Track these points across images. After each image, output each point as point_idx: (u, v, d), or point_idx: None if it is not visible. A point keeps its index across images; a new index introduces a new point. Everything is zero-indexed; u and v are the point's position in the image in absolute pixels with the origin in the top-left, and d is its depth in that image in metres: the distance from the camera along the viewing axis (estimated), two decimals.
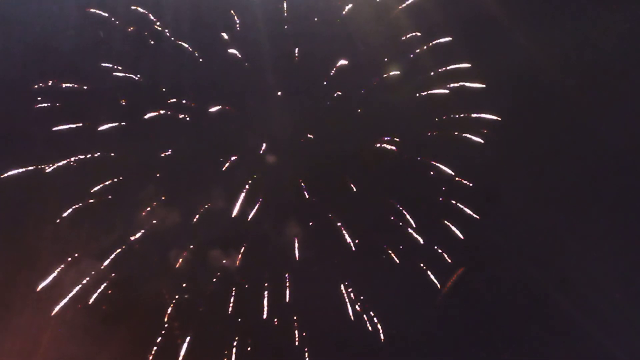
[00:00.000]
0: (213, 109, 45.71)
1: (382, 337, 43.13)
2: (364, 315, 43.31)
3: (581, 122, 44.41)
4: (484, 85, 44.54)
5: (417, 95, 45.60)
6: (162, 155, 44.55)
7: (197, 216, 44.02)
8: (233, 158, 45.39)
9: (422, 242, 43.65)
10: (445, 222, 43.96)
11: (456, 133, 44.88)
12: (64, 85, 42.79)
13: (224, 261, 43.94)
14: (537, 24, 45.75)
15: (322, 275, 44.30)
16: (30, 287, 40.39)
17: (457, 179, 44.50)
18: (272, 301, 43.49)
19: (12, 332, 39.64)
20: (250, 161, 45.94)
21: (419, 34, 45.52)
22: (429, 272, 43.35)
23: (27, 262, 41.35)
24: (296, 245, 44.50)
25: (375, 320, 43.32)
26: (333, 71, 45.95)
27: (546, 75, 44.88)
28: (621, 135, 43.60)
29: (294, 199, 46.05)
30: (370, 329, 43.33)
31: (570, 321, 42.51)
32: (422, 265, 43.42)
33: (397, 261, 44.18)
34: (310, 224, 45.36)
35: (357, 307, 43.55)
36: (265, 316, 43.11)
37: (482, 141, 44.39)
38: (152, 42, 44.65)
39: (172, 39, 45.54)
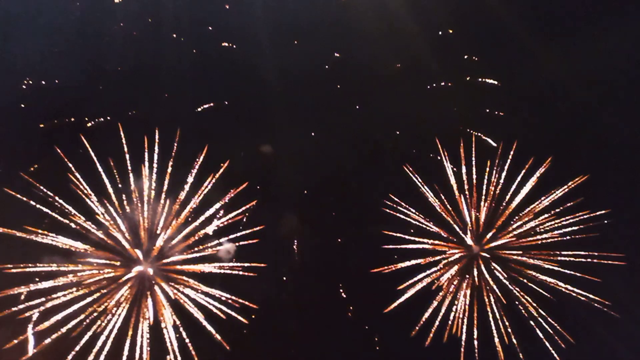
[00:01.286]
0: (210, 105, 45.43)
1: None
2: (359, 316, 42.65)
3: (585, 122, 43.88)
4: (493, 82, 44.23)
5: (420, 91, 45.11)
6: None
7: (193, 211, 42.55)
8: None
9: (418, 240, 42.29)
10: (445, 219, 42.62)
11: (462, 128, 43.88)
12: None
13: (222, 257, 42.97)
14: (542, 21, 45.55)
15: (321, 274, 43.90)
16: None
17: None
18: (269, 298, 42.77)
19: None
20: (249, 157, 45.42)
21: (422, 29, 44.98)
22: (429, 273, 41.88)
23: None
24: (295, 242, 44.06)
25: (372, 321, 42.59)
26: (332, 68, 45.92)
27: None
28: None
29: (293, 196, 45.66)
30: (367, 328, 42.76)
31: None
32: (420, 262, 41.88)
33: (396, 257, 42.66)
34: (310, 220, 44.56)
35: (351, 308, 43.03)
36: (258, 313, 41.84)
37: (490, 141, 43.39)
38: (136, 34, 44.20)
39: (170, 34, 45.27)
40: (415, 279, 40.61)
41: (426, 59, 45.52)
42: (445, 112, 44.95)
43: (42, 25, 43.73)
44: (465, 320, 40.30)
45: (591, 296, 39.43)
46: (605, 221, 39.73)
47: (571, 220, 40.36)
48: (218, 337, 39.96)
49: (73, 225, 39.85)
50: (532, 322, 39.95)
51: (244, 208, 41.78)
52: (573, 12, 45.41)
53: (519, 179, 41.16)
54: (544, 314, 39.71)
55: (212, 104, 45.86)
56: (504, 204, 41.41)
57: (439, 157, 42.48)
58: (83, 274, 39.68)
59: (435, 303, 40.51)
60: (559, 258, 39.95)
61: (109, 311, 39.50)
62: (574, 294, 39.53)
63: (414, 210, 41.58)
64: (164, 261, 41.01)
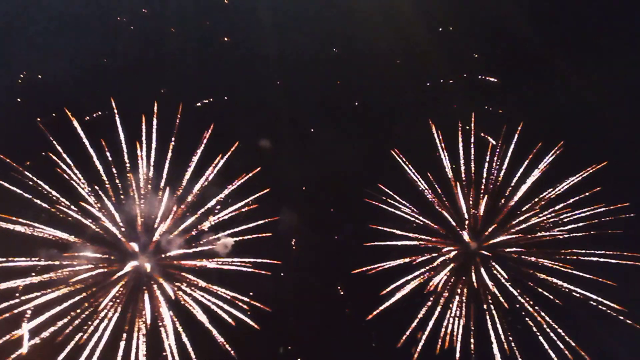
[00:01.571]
0: (209, 101, 44.89)
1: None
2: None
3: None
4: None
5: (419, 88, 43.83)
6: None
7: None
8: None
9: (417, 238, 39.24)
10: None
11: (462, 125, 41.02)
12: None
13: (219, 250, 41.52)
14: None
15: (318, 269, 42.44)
16: None
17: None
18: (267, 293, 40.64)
19: None
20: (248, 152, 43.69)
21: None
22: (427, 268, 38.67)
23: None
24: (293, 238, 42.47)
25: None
26: (331, 64, 44.83)
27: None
28: None
29: (292, 191, 44.29)
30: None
31: None
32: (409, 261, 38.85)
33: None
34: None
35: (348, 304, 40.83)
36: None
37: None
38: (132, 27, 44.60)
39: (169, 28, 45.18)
40: (402, 280, 37.41)
41: (426, 56, 44.64)
42: (445, 108, 43.30)
43: (39, 20, 44.39)
44: (460, 329, 36.57)
45: (606, 302, 34.43)
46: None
47: (584, 215, 35.63)
48: (225, 344, 38.42)
49: (62, 215, 39.21)
50: (537, 332, 35.48)
51: (256, 196, 40.36)
52: (574, 10, 44.09)
53: (524, 166, 37.33)
54: (551, 322, 35.32)
55: (210, 100, 45.23)
56: (506, 194, 38.06)
57: (437, 154, 39.65)
58: (73, 270, 38.74)
59: (427, 309, 37.31)
60: (569, 257, 35.28)
61: (100, 312, 38.29)
62: (585, 299, 34.81)
63: (404, 202, 38.36)
64: (162, 255, 39.67)
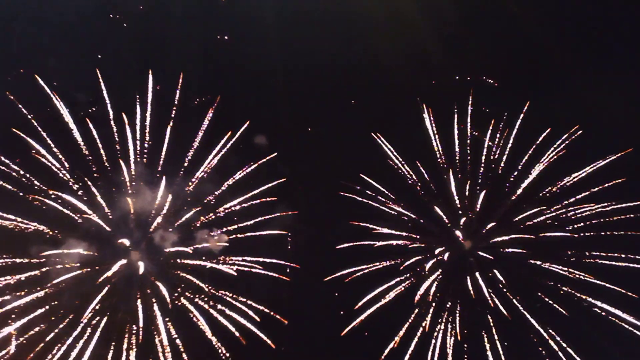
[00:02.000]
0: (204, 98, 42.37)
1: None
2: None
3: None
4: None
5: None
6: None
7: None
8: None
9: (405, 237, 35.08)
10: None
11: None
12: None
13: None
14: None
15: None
16: None
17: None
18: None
19: None
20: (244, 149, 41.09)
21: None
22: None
23: None
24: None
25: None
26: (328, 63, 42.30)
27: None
28: None
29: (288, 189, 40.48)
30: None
31: None
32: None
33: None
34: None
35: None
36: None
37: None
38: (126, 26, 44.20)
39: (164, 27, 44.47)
40: (384, 287, 33.27)
41: (425, 56, 42.36)
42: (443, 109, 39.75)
43: (32, 16, 43.20)
44: (451, 344, 32.03)
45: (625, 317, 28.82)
46: None
47: (602, 211, 30.53)
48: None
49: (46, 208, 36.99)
50: (542, 349, 31.02)
51: (274, 183, 37.59)
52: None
53: (529, 153, 33.19)
54: (558, 337, 30.51)
55: (206, 98, 43.70)
56: (507, 186, 33.46)
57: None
58: (58, 268, 35.99)
59: (413, 320, 33.23)
60: (582, 262, 30.45)
61: (85, 317, 35.21)
62: (600, 312, 29.79)
63: (389, 194, 34.24)
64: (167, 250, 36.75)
